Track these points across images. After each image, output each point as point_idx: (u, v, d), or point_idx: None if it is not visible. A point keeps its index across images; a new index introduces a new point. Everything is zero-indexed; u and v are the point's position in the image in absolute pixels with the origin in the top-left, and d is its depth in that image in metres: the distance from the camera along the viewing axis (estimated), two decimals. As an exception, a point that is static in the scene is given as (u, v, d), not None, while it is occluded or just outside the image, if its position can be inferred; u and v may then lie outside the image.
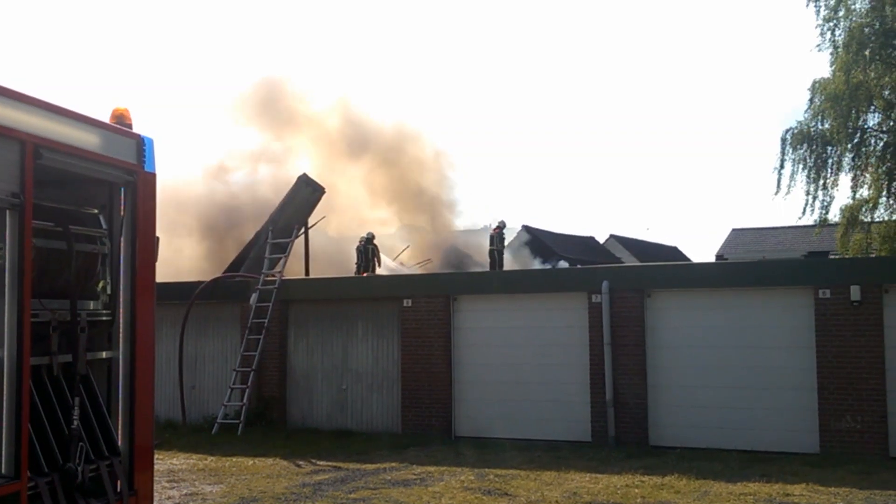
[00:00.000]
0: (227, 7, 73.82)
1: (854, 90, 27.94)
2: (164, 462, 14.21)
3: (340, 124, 34.87)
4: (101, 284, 6.08)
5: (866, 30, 27.97)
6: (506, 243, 28.59)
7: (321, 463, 14.41)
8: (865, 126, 29.86)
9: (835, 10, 29.02)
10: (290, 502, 11.25)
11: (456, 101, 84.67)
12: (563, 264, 33.68)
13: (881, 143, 29.68)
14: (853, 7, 28.85)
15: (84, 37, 78.42)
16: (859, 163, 29.79)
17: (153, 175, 6.31)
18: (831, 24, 29.20)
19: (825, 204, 30.49)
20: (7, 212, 5.01)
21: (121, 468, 5.83)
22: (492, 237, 26.48)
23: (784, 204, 75.29)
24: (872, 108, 29.43)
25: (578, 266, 28.66)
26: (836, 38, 29.03)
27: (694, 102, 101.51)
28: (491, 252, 26.08)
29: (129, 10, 74.21)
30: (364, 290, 18.95)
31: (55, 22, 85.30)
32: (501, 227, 26.81)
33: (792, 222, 37.97)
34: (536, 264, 35.16)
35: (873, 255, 27.86)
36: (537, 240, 41.93)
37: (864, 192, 30.14)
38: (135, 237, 6.10)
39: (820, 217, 30.73)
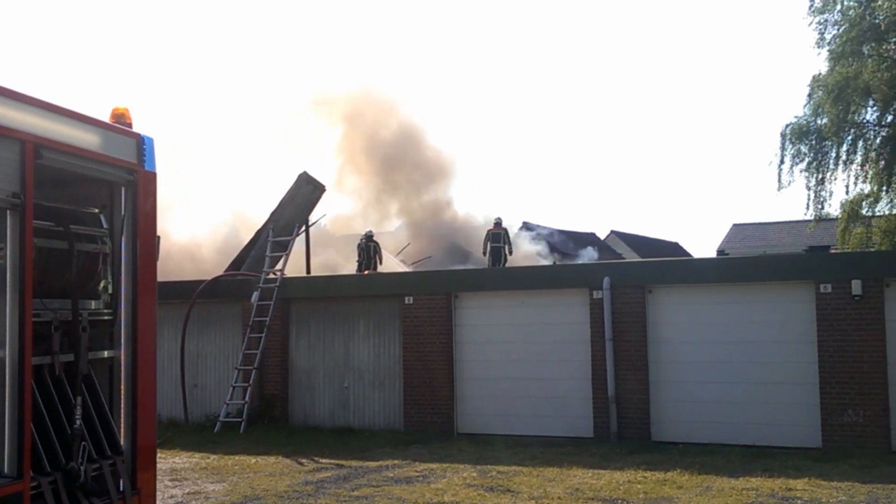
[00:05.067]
0: (226, 6, 73.80)
1: (851, 85, 27.91)
2: (167, 461, 14.22)
3: (343, 125, 34.90)
4: (102, 284, 6.08)
5: (861, 24, 27.94)
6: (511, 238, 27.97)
7: (323, 461, 14.41)
8: (864, 121, 29.86)
9: (826, 7, 29.04)
10: (293, 500, 11.25)
11: (456, 98, 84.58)
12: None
13: (879, 138, 29.67)
14: (846, 4, 28.85)
15: (84, 37, 78.39)
16: (859, 157, 29.78)
17: (154, 174, 6.32)
18: (825, 20, 29.22)
19: (825, 199, 30.51)
20: (8, 212, 5.01)
21: (123, 467, 5.84)
22: (495, 234, 26.03)
23: (785, 199, 75.27)
24: (871, 102, 29.39)
25: (579, 262, 28.59)
26: (831, 35, 29.04)
27: (694, 98, 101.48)
28: (495, 249, 25.72)
29: (128, 10, 74.19)
30: (365, 287, 18.95)
31: (55, 22, 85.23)
32: (499, 222, 26.45)
33: (792, 217, 38.00)
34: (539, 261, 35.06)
35: (874, 250, 27.85)
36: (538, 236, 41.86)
37: (865, 186, 30.17)
38: (136, 236, 6.11)
39: (820, 212, 30.71)
